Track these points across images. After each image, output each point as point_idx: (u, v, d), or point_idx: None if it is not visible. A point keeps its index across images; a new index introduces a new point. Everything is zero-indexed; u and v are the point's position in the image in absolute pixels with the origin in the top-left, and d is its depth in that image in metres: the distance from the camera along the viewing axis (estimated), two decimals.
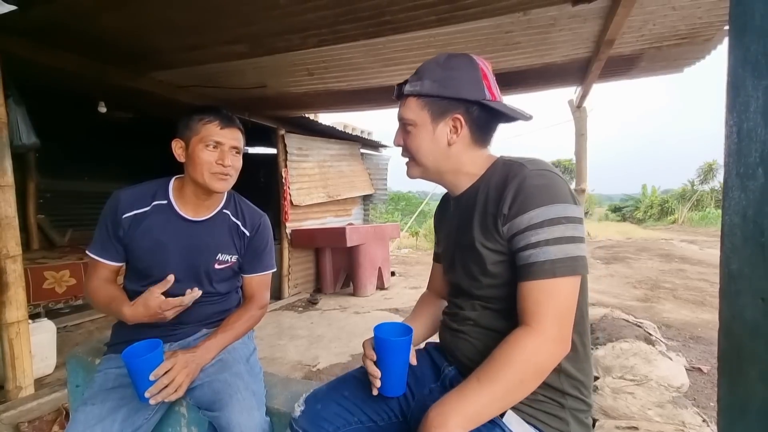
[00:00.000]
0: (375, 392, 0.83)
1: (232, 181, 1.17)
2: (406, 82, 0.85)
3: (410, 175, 0.90)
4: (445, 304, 1.04)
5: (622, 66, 3.04)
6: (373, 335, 0.85)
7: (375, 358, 0.83)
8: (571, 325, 0.73)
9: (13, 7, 2.15)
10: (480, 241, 0.80)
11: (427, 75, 0.82)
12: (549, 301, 0.70)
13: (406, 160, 0.90)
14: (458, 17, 2.07)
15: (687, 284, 5.59)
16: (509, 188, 0.75)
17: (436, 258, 1.06)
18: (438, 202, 1.08)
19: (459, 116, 0.82)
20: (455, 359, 0.89)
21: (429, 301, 1.06)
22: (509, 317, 0.77)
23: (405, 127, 0.86)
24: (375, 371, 0.82)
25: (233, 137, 1.14)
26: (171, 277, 1.06)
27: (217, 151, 1.12)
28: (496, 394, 0.68)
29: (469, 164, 0.86)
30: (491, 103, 0.82)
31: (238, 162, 1.18)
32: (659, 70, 3.22)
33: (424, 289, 1.12)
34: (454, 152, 0.85)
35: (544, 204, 0.72)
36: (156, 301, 1.02)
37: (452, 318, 0.91)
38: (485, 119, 0.84)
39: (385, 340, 0.80)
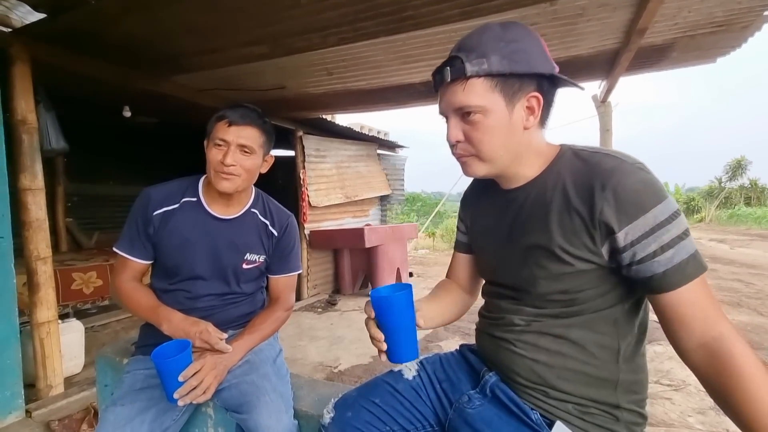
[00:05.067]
0: (383, 358, 0.75)
1: (239, 181, 1.11)
2: (454, 62, 0.70)
3: (473, 173, 0.77)
4: (467, 298, 0.96)
5: (652, 57, 2.91)
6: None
7: (373, 316, 0.75)
8: None
9: (42, 15, 2.22)
10: (560, 245, 0.69)
11: (490, 50, 0.68)
12: (715, 299, 0.63)
13: (464, 155, 0.75)
14: (482, 10, 2.01)
15: (720, 285, 5.36)
16: (607, 187, 0.64)
17: (460, 248, 0.96)
18: (469, 187, 0.95)
19: (536, 94, 0.70)
20: (496, 367, 0.82)
21: (449, 287, 0.97)
22: (564, 318, 0.71)
23: (466, 116, 0.71)
24: (376, 333, 0.74)
25: (240, 135, 1.09)
26: (224, 345, 1.05)
27: (223, 150, 1.09)
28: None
29: (536, 150, 0.75)
30: (562, 75, 0.71)
31: (248, 161, 1.11)
32: (691, 60, 3.07)
33: None
34: (526, 138, 0.73)
35: (661, 200, 0.63)
36: (201, 330, 1.03)
37: (493, 322, 0.83)
38: (553, 94, 0.74)
39: (381, 298, 0.72)
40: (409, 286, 0.75)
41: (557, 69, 0.72)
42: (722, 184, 20.45)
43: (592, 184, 0.66)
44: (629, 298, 0.71)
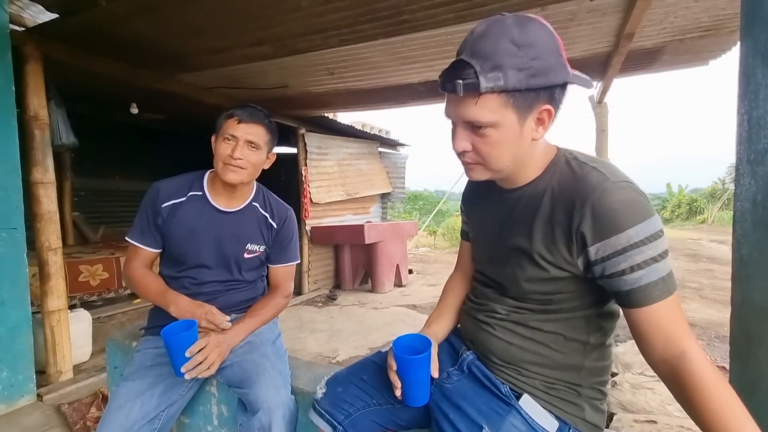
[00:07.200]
0: (398, 393, 0.83)
1: (245, 174, 1.20)
2: (467, 73, 0.64)
3: (477, 178, 0.78)
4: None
5: (644, 60, 2.98)
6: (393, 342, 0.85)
7: (395, 368, 0.83)
8: None
9: (55, 15, 2.31)
10: (539, 252, 0.73)
11: (507, 62, 0.63)
12: (682, 319, 0.65)
13: (471, 163, 0.75)
14: (476, 14, 2.08)
15: (714, 284, 5.41)
16: (587, 203, 0.67)
17: (465, 236, 1.01)
18: (467, 184, 0.98)
19: (549, 107, 0.69)
20: (475, 346, 0.89)
21: (457, 290, 1.01)
22: (542, 314, 0.79)
23: (476, 129, 0.70)
24: (395, 381, 0.83)
25: (249, 132, 1.18)
26: (227, 324, 1.16)
27: (231, 144, 1.18)
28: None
29: (536, 157, 0.76)
30: (577, 79, 0.69)
31: (254, 156, 1.20)
32: (684, 63, 3.13)
33: (442, 287, 1.08)
34: (532, 147, 0.74)
35: (639, 221, 0.64)
36: (206, 311, 1.14)
37: (477, 307, 0.89)
38: (563, 98, 0.71)
39: (402, 358, 0.80)
40: (428, 344, 0.83)
41: (571, 73, 0.68)
42: (725, 186, 20.39)
43: (573, 198, 0.69)
44: (605, 302, 0.77)
